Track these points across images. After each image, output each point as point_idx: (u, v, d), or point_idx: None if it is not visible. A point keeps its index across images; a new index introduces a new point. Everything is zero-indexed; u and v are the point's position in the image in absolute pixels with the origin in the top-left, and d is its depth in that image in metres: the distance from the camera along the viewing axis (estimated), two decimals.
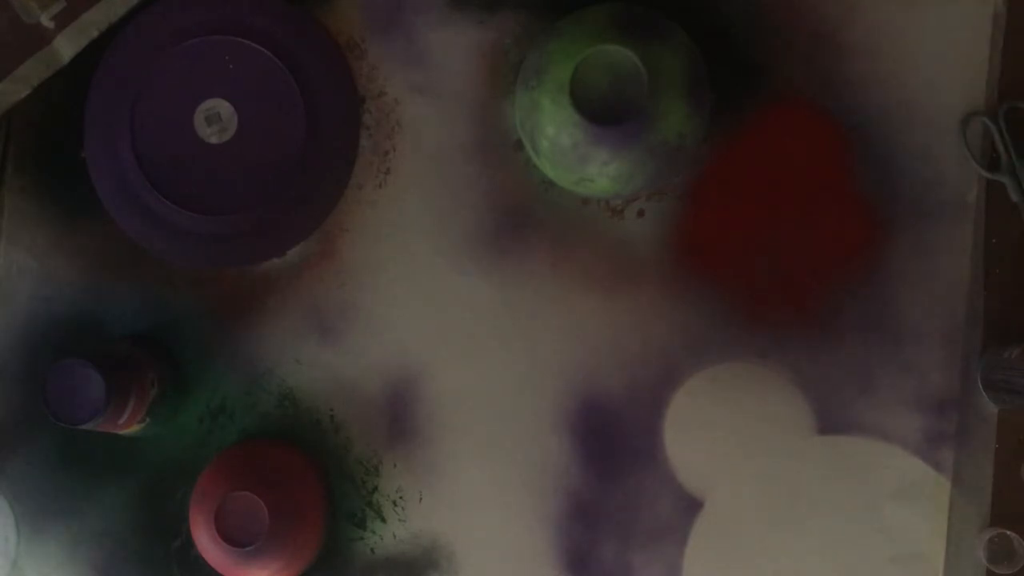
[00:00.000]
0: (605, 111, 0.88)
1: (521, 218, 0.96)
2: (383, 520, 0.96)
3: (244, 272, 0.97)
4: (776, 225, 0.96)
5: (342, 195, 0.97)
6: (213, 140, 0.94)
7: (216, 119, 0.94)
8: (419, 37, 0.97)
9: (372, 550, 0.96)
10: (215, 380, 0.97)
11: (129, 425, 0.92)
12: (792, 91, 0.96)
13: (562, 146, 0.91)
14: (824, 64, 0.95)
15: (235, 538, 0.87)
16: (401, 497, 0.96)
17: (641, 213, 0.96)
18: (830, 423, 0.95)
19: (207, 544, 0.89)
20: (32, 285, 0.97)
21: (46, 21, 0.95)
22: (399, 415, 0.96)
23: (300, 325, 0.97)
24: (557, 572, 0.95)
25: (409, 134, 0.97)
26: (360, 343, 0.97)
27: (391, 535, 0.96)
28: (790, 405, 0.95)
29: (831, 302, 0.95)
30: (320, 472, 0.96)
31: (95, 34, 0.96)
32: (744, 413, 0.95)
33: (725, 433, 0.95)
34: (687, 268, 0.96)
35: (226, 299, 0.97)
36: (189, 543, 0.94)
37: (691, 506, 0.95)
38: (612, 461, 0.95)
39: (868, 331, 0.95)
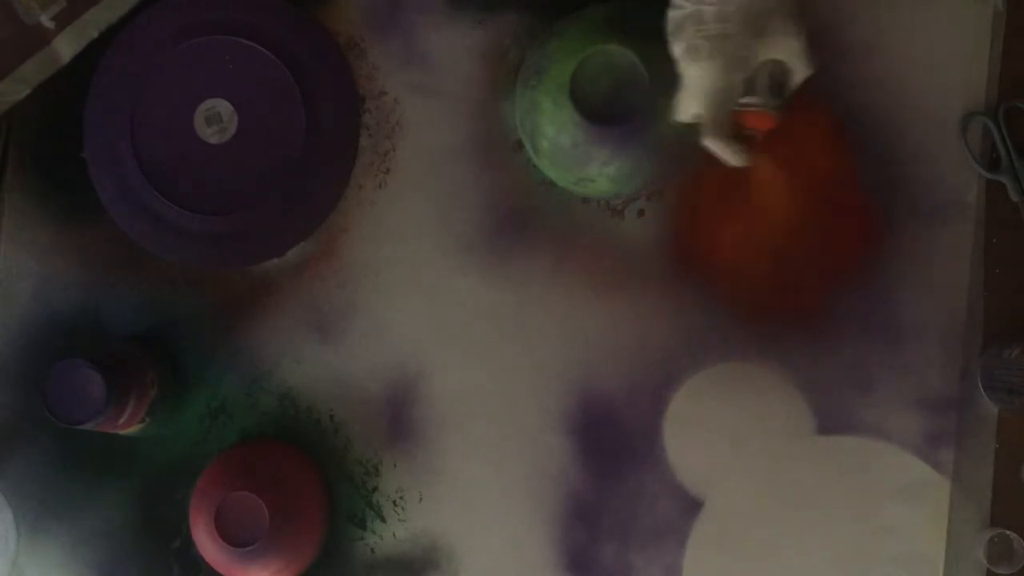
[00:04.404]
0: (605, 111, 0.88)
1: (521, 218, 0.96)
2: (383, 520, 0.96)
3: (244, 272, 0.97)
4: (776, 225, 0.96)
5: (342, 195, 0.97)
6: (213, 140, 0.94)
7: (216, 119, 0.94)
8: (419, 37, 0.97)
9: (372, 550, 0.96)
10: (215, 380, 0.97)
11: (129, 425, 0.92)
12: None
13: (562, 146, 0.91)
14: (824, 64, 0.95)
15: (235, 538, 0.87)
16: (401, 497, 0.96)
17: (641, 213, 0.96)
18: (830, 423, 0.95)
19: (207, 544, 0.89)
20: (32, 285, 0.97)
21: (46, 21, 0.95)
22: (399, 415, 0.96)
23: (300, 325, 0.97)
24: (557, 574, 0.95)
25: (409, 134, 0.97)
26: (360, 343, 0.97)
27: (391, 535, 0.96)
28: (790, 405, 0.95)
29: (831, 302, 0.95)
30: (320, 472, 0.96)
31: (95, 34, 0.96)
32: (744, 413, 0.95)
33: (725, 433, 0.95)
34: (687, 268, 0.96)
35: (226, 299, 0.97)
36: (189, 543, 0.94)
37: (691, 506, 0.95)
38: (612, 461, 0.95)
39: (868, 331, 0.95)
